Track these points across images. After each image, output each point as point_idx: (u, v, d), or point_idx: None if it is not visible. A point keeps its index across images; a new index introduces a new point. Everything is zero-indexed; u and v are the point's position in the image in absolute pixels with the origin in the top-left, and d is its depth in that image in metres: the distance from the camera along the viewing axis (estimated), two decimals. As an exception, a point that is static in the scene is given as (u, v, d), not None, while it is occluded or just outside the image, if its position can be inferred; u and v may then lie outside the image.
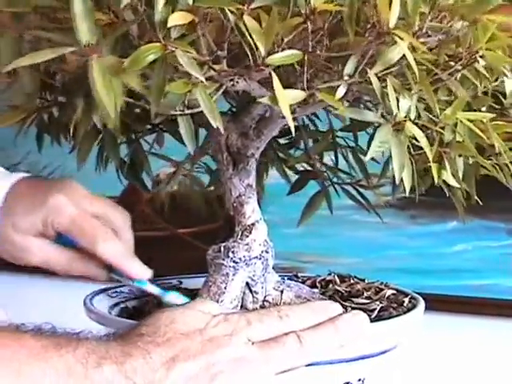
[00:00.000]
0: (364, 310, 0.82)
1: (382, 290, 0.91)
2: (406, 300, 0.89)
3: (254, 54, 0.65)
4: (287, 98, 0.66)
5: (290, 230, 1.47)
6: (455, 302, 1.43)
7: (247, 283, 0.84)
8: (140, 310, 0.90)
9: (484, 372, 1.41)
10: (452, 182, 0.80)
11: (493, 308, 1.41)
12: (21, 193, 0.92)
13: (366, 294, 0.90)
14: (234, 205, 0.85)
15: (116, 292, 0.94)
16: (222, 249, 0.85)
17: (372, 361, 0.81)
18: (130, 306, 0.92)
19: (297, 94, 0.68)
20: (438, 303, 1.37)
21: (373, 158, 0.94)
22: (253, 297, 0.84)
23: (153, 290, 0.88)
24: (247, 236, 0.85)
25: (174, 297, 0.86)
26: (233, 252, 0.84)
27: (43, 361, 0.67)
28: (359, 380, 0.82)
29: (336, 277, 0.95)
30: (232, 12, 0.63)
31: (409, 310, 0.86)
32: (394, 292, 0.91)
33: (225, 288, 0.83)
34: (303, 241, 1.49)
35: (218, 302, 0.83)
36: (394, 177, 0.72)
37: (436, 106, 0.72)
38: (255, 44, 0.63)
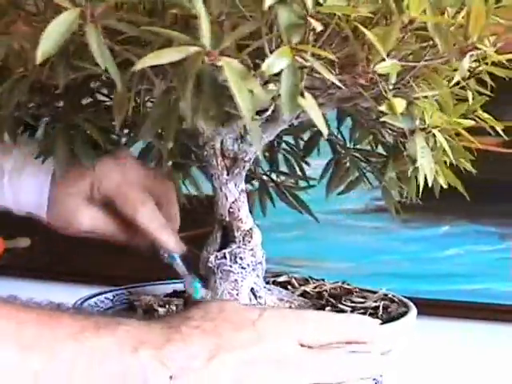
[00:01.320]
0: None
1: (372, 297, 0.91)
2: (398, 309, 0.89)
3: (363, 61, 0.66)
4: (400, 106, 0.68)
5: (282, 234, 1.47)
6: (448, 306, 1.43)
7: (252, 289, 0.84)
8: (129, 315, 0.89)
9: (477, 376, 1.41)
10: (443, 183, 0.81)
11: (486, 312, 1.41)
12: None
13: (355, 299, 0.90)
14: (231, 210, 0.85)
15: (107, 298, 0.94)
16: (228, 255, 0.84)
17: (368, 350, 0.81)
18: (120, 311, 0.92)
19: (400, 103, 0.70)
20: (431, 308, 1.38)
21: (306, 162, 0.97)
22: (258, 302, 0.84)
23: (178, 268, 0.88)
24: (249, 241, 0.85)
25: (192, 283, 0.85)
26: (241, 258, 0.84)
27: (79, 341, 0.66)
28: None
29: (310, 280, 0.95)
30: (348, 20, 0.63)
31: (399, 316, 0.86)
32: (386, 301, 0.91)
33: (237, 295, 0.83)
34: (295, 245, 1.49)
35: None
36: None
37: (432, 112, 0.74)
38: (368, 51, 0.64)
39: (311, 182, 1.01)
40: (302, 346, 0.72)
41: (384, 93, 0.69)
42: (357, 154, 0.97)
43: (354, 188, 0.98)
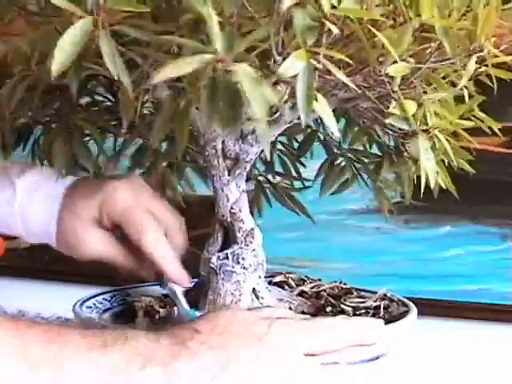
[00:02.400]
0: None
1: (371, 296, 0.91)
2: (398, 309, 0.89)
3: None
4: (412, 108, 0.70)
5: (283, 234, 1.47)
6: (449, 306, 1.43)
7: (254, 289, 0.84)
8: (129, 316, 0.89)
9: (478, 377, 1.41)
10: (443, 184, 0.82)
11: (487, 313, 1.41)
12: (80, 185, 0.93)
13: (355, 299, 0.90)
14: (232, 211, 0.85)
15: (107, 298, 0.94)
16: (230, 256, 0.84)
17: (363, 367, 0.81)
18: (119, 312, 0.92)
19: (411, 105, 0.71)
20: (432, 308, 1.37)
21: (301, 163, 0.97)
22: (260, 303, 0.84)
23: (177, 300, 0.87)
24: (251, 242, 0.85)
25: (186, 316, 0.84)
26: (243, 258, 0.84)
27: (87, 359, 0.66)
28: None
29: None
30: (360, 23, 0.63)
31: (401, 316, 0.86)
32: (386, 300, 0.91)
33: (239, 296, 0.83)
34: (296, 245, 1.49)
35: None
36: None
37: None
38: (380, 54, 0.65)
39: (308, 184, 1.01)
40: (309, 355, 0.73)
41: (392, 94, 0.69)
42: (351, 155, 0.97)
43: (348, 188, 0.98)
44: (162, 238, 0.89)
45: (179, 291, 0.88)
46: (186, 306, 0.86)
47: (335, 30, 0.60)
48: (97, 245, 0.91)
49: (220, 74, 0.58)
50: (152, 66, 0.67)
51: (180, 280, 0.88)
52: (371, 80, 0.67)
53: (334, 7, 0.60)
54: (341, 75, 0.62)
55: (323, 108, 0.62)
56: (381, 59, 0.66)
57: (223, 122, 0.59)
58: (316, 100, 0.61)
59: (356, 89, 0.66)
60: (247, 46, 0.60)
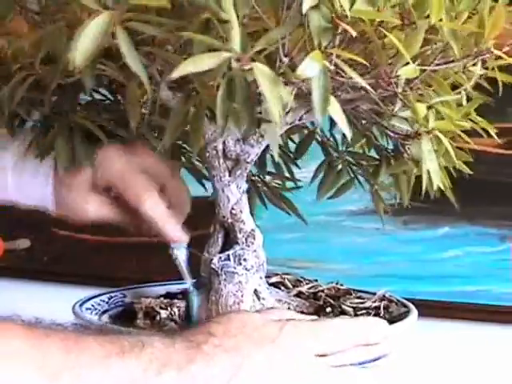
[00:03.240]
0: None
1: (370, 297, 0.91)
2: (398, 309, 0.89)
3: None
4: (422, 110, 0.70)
5: (283, 235, 1.47)
6: (448, 307, 1.43)
7: (255, 290, 0.84)
8: (128, 317, 0.89)
9: (477, 378, 1.41)
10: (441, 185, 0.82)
11: (486, 314, 1.41)
12: None
13: (353, 300, 0.90)
14: (233, 212, 0.85)
15: (105, 299, 0.93)
16: (232, 257, 0.84)
17: (365, 367, 0.81)
18: (118, 314, 0.92)
19: (422, 107, 0.71)
20: (431, 309, 1.38)
21: (296, 164, 0.97)
22: (261, 304, 0.84)
23: (180, 261, 0.87)
24: (252, 242, 0.85)
25: (188, 280, 0.86)
26: (245, 259, 0.84)
27: (105, 367, 0.66)
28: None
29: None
30: (372, 25, 0.64)
31: (401, 316, 0.86)
32: (385, 301, 0.91)
33: (242, 296, 0.83)
34: (295, 246, 1.49)
35: None
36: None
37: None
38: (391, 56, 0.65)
39: (300, 184, 1.00)
40: (319, 355, 0.74)
41: (399, 95, 0.69)
42: (349, 157, 0.97)
43: (345, 192, 0.98)
44: (157, 200, 0.88)
45: (181, 257, 0.88)
46: (187, 275, 0.87)
47: (353, 32, 0.60)
48: (94, 208, 0.91)
49: (237, 72, 0.58)
50: (161, 65, 0.67)
51: (177, 238, 0.88)
52: (381, 81, 0.67)
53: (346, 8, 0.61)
54: (355, 76, 0.62)
55: (336, 110, 0.62)
56: (389, 61, 0.66)
57: (238, 122, 0.59)
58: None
59: (371, 90, 0.66)
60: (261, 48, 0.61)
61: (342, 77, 0.64)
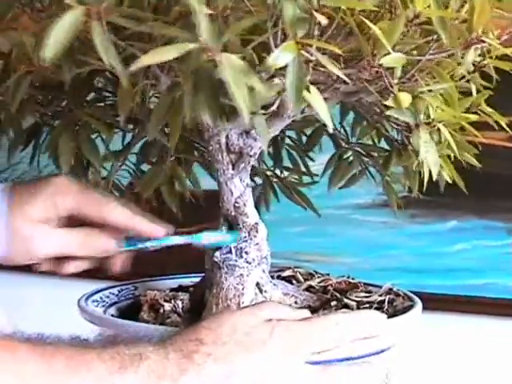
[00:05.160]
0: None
1: (377, 291, 0.91)
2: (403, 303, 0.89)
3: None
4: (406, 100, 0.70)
5: (290, 229, 1.47)
6: (455, 301, 1.43)
7: (257, 283, 0.84)
8: (134, 310, 0.90)
9: (484, 371, 1.41)
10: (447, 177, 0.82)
11: (493, 307, 1.41)
12: (21, 187, 0.90)
13: (360, 294, 0.90)
14: (236, 205, 0.85)
15: (115, 292, 0.94)
16: (234, 250, 0.84)
17: (368, 360, 0.81)
18: (128, 306, 0.92)
19: (406, 97, 0.71)
20: (438, 302, 1.38)
21: (310, 157, 0.97)
22: (263, 297, 0.84)
23: (178, 240, 0.86)
24: (255, 236, 0.85)
25: (206, 237, 0.85)
26: (246, 252, 0.84)
27: None
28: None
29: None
30: (352, 14, 0.64)
31: (405, 310, 0.86)
32: (392, 295, 0.91)
33: (242, 289, 0.83)
34: (303, 240, 1.49)
35: (238, 304, 0.83)
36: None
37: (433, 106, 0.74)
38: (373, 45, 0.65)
39: (316, 178, 1.01)
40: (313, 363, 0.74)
41: (389, 87, 0.69)
42: (359, 149, 0.97)
43: (356, 183, 0.98)
44: (120, 205, 0.88)
45: (170, 239, 0.87)
46: (187, 238, 0.86)
47: (324, 21, 0.60)
48: (48, 240, 0.88)
49: (205, 64, 0.58)
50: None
51: (155, 231, 0.87)
52: (367, 73, 0.67)
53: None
54: (332, 67, 0.62)
55: (316, 99, 0.62)
56: (376, 52, 0.66)
57: (206, 114, 0.59)
58: (309, 91, 0.61)
59: (348, 81, 0.65)
60: (245, 38, 0.60)
61: (325, 67, 0.63)
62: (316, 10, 0.60)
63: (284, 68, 0.61)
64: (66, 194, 0.87)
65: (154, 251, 0.89)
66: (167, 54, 0.58)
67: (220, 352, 0.71)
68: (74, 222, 0.88)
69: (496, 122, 0.87)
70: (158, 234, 0.87)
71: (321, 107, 0.62)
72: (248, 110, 0.58)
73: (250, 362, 0.72)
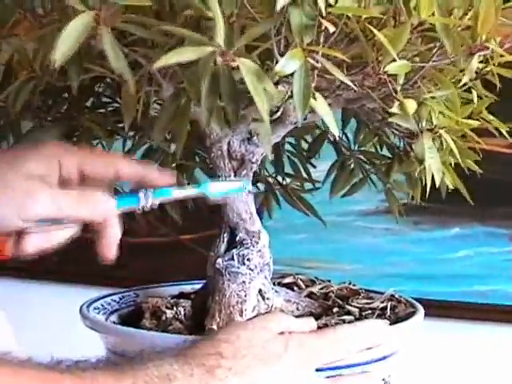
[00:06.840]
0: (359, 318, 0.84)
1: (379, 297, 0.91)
2: (406, 310, 0.89)
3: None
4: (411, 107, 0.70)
5: (293, 236, 1.47)
6: (458, 307, 1.43)
7: (260, 290, 0.84)
8: (136, 317, 0.89)
9: (487, 378, 1.41)
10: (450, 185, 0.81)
11: (496, 314, 1.41)
12: (17, 147, 0.87)
13: (362, 301, 0.90)
14: (238, 212, 0.85)
15: (116, 299, 0.94)
16: (236, 256, 0.84)
17: (371, 367, 0.81)
18: (129, 313, 0.92)
19: (411, 104, 0.71)
20: (441, 309, 1.38)
21: (311, 164, 0.97)
22: (266, 304, 0.84)
23: (182, 193, 0.81)
24: (257, 242, 0.85)
25: (213, 186, 0.80)
26: (248, 259, 0.84)
27: None
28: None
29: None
30: (358, 21, 0.64)
31: (407, 317, 0.86)
32: (394, 301, 0.91)
33: (245, 296, 0.83)
34: (306, 247, 1.49)
35: (241, 311, 0.83)
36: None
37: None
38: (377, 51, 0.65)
39: (317, 185, 1.01)
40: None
41: (394, 93, 0.69)
42: (361, 156, 0.97)
43: (358, 191, 0.98)
44: (125, 159, 0.84)
45: (171, 190, 0.81)
46: (192, 188, 0.82)
47: (331, 29, 0.60)
48: (45, 197, 0.78)
49: (221, 67, 0.58)
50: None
51: (165, 178, 0.81)
52: (371, 79, 0.67)
53: (330, 6, 0.60)
54: (338, 74, 0.62)
55: (322, 107, 0.62)
56: (380, 58, 0.66)
57: (220, 120, 0.59)
58: (314, 99, 0.61)
59: (354, 87, 0.66)
60: (248, 44, 0.61)
61: (332, 74, 0.63)
62: (323, 17, 0.60)
63: (289, 75, 0.61)
64: (70, 156, 0.81)
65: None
66: (184, 55, 0.58)
67: (239, 366, 0.73)
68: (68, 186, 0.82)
69: (496, 128, 0.87)
70: (169, 180, 0.81)
71: (327, 114, 0.63)
72: (268, 113, 0.59)
73: (267, 375, 0.74)
